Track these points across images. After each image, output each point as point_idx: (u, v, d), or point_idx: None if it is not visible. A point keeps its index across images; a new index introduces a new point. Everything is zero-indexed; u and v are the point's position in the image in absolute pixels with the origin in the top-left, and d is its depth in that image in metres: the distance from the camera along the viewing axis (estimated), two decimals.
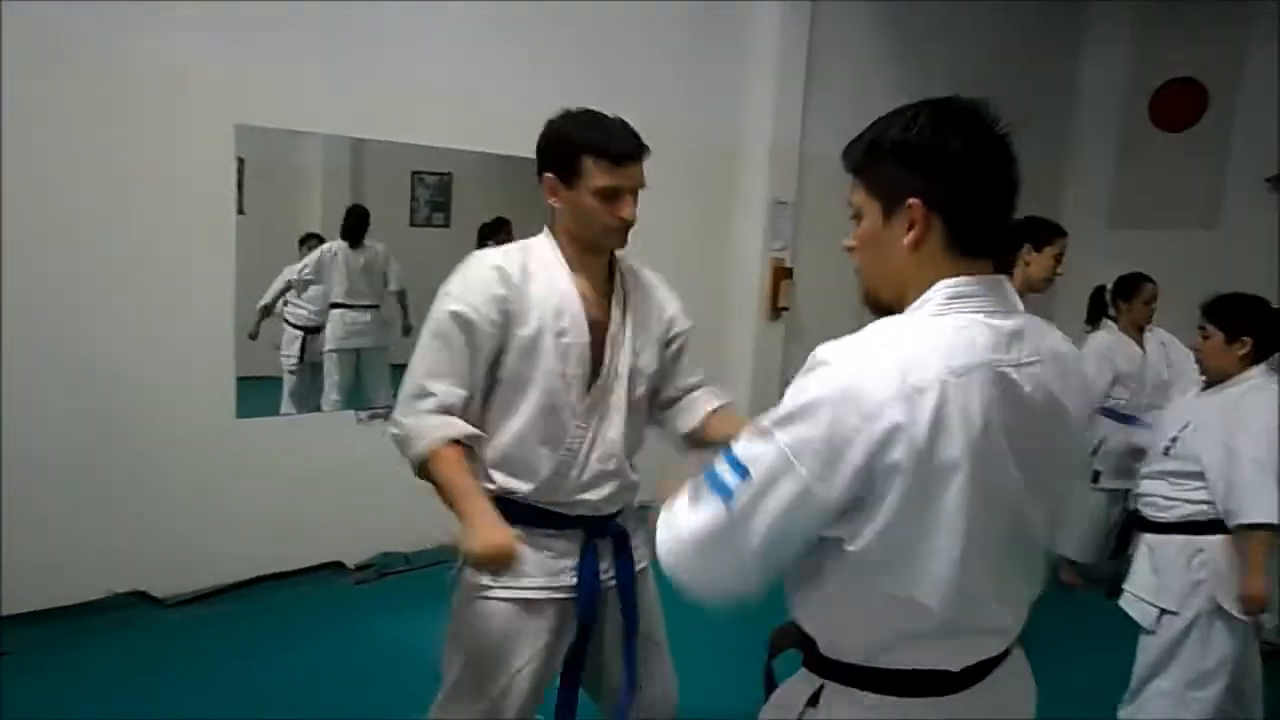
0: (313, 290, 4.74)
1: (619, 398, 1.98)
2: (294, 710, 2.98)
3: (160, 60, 3.41)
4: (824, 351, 1.16)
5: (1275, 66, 6.99)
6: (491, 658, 1.95)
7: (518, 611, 1.94)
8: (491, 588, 1.93)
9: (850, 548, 1.14)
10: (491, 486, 1.94)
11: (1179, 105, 7.54)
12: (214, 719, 2.94)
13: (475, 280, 1.89)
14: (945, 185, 1.19)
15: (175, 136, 3.47)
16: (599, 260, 1.99)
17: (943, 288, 1.20)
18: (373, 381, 4.85)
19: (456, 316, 1.85)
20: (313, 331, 4.76)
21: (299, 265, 4.67)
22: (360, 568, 4.13)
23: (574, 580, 1.97)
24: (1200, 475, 2.66)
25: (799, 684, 1.34)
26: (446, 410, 1.84)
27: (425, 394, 1.84)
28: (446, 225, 5.26)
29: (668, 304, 2.11)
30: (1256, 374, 2.70)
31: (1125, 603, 2.85)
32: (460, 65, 4.18)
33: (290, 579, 3.96)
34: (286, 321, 4.72)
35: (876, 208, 1.25)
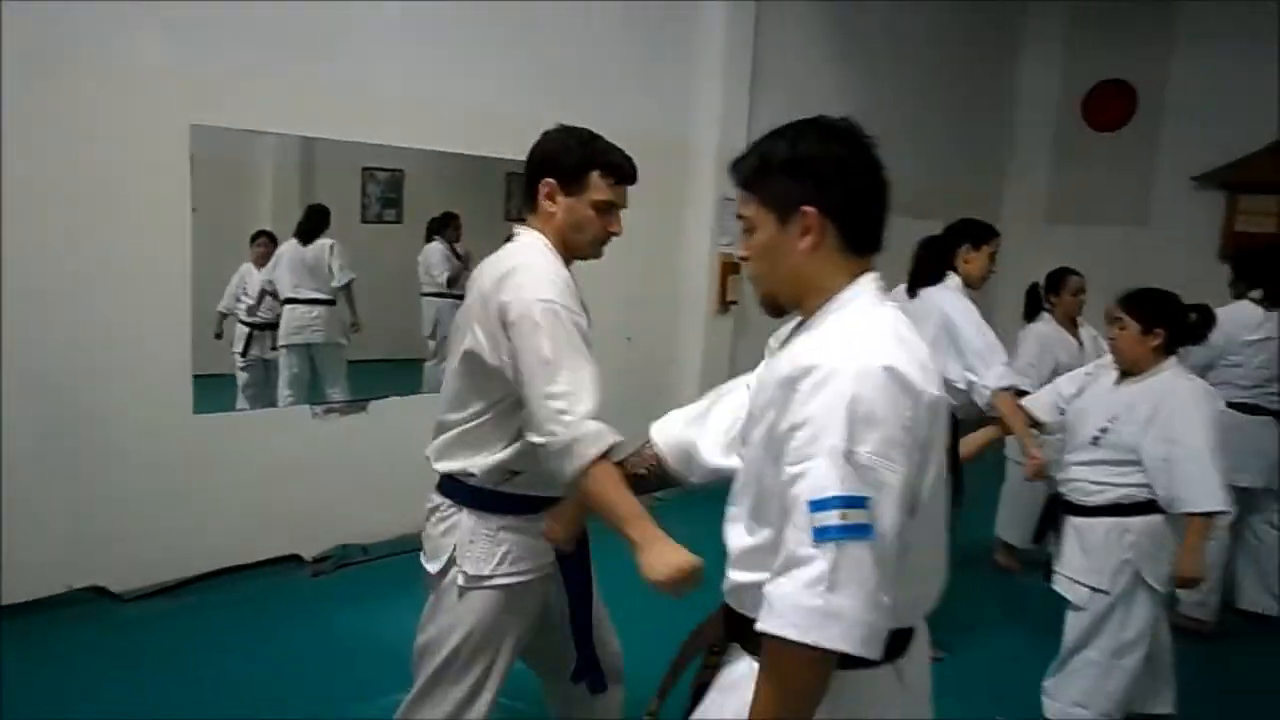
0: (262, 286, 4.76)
1: None
2: (258, 700, 3.02)
3: (117, 61, 3.42)
4: (824, 359, 1.22)
5: (1200, 69, 7.29)
6: (483, 640, 2.06)
7: (511, 596, 2.06)
8: (495, 575, 2.04)
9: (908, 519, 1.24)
10: (499, 485, 2.03)
11: (1110, 106, 7.81)
12: (177, 713, 2.96)
13: (560, 283, 1.94)
14: (835, 192, 1.32)
15: (131, 137, 3.49)
16: (570, 265, 2.10)
17: (869, 282, 1.35)
18: (328, 376, 4.88)
19: (576, 322, 1.90)
20: (259, 328, 4.79)
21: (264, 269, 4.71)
22: (318, 560, 4.17)
23: (553, 557, 2.09)
24: (1132, 462, 2.80)
25: (744, 666, 1.37)
26: (595, 416, 1.83)
27: (577, 400, 1.81)
28: (398, 221, 5.30)
29: None
30: (1171, 365, 2.86)
31: (1057, 583, 2.99)
32: (413, 66, 4.22)
33: (248, 572, 3.99)
34: (238, 319, 4.74)
35: (771, 218, 1.36)
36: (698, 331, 5.61)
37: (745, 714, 1.27)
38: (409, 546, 4.09)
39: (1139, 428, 2.80)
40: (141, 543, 3.70)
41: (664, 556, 1.65)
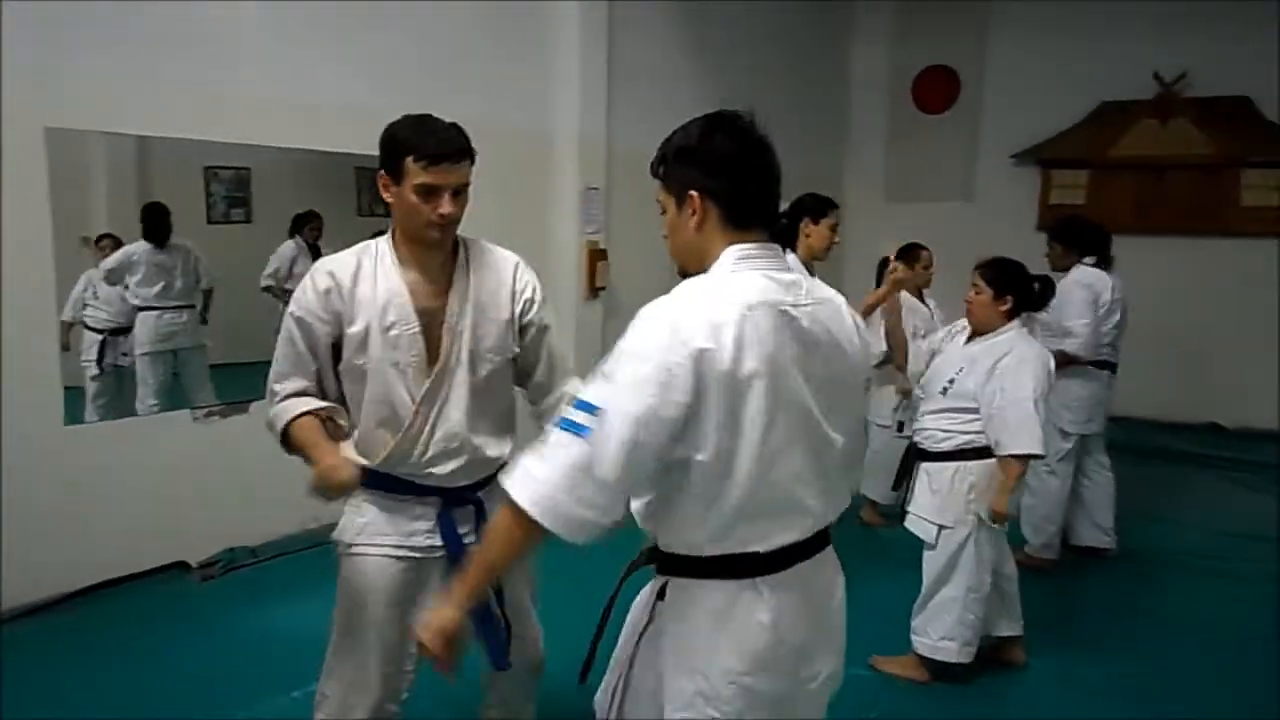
0: (111, 291, 4.56)
1: (461, 380, 2.12)
2: (156, 708, 2.98)
3: None
4: (643, 310, 1.50)
5: (1014, 56, 7.90)
6: (359, 611, 2.15)
7: (377, 568, 2.14)
8: (355, 544, 2.14)
9: (699, 458, 1.47)
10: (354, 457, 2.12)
11: (936, 90, 8.32)
12: None
13: (309, 286, 2.11)
14: (713, 178, 1.57)
15: None
16: (433, 253, 2.11)
17: (731, 252, 1.57)
18: (191, 381, 4.73)
19: (295, 319, 2.11)
20: (114, 334, 4.60)
21: (103, 267, 4.50)
22: (205, 565, 4.08)
23: (429, 542, 2.16)
24: (972, 410, 3.13)
25: (650, 585, 1.68)
26: (296, 395, 2.12)
27: (276, 387, 2.14)
28: (248, 221, 5.14)
29: (523, 287, 2.27)
30: (1014, 327, 3.22)
31: (910, 523, 3.30)
32: (258, 63, 4.16)
33: (132, 583, 3.89)
34: (85, 325, 4.53)
35: (672, 201, 1.62)
36: (569, 317, 5.71)
37: (640, 624, 1.66)
38: (298, 545, 4.12)
39: (980, 379, 3.14)
40: (17, 560, 3.55)
41: (320, 465, 1.98)
